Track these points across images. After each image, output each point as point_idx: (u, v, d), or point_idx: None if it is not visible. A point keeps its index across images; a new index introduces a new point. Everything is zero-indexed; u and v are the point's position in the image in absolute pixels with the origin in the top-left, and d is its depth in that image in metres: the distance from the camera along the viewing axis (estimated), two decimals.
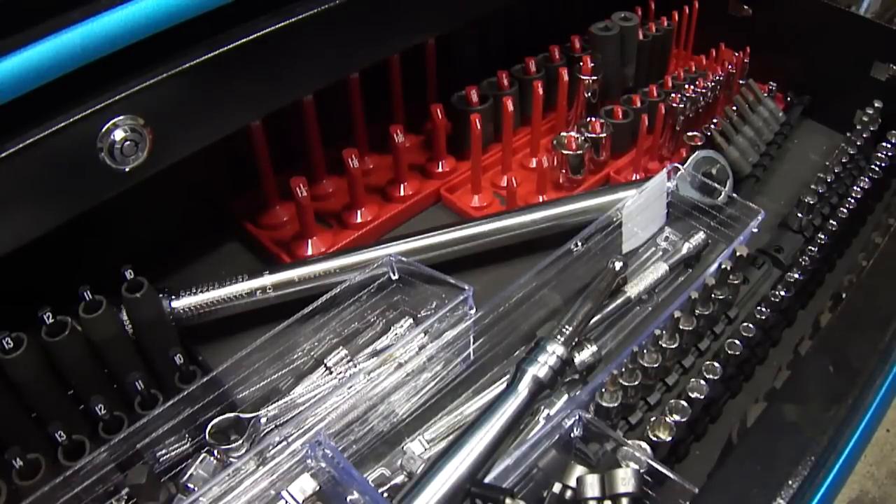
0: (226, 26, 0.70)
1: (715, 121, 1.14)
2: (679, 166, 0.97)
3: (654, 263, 0.93)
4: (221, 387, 0.74)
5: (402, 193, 1.09)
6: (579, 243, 0.87)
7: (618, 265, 0.89)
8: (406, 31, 0.90)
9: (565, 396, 0.78)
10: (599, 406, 0.74)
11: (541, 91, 1.10)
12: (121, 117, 0.63)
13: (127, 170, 0.65)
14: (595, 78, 1.15)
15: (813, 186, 1.02)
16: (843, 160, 1.07)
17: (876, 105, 1.13)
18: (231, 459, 0.72)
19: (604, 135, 1.12)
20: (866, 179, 1.03)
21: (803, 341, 0.86)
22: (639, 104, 1.17)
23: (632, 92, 1.21)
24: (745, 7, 1.28)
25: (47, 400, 0.72)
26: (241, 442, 0.73)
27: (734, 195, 0.94)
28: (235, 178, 1.05)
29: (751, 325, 0.81)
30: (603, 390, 0.74)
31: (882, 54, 1.12)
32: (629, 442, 0.67)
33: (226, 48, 0.69)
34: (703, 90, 1.15)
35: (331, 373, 0.81)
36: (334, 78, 0.87)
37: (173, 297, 0.83)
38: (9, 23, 0.58)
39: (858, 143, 1.09)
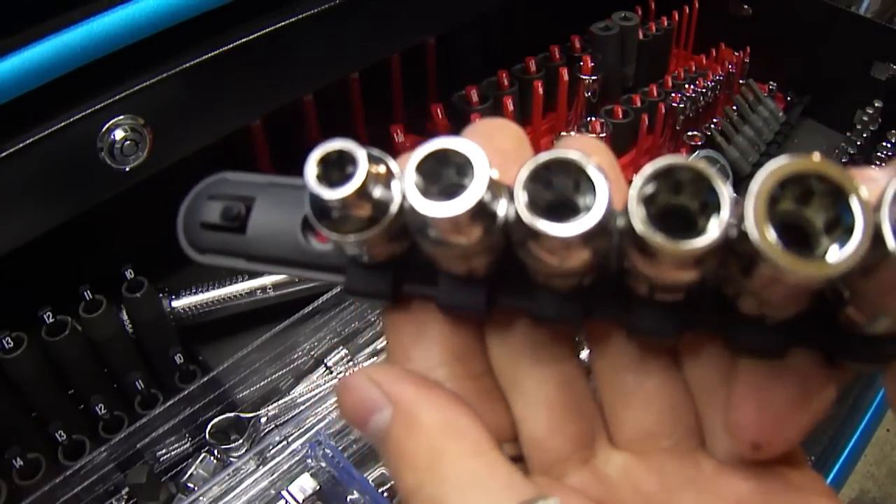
0: (226, 26, 0.70)
1: (715, 121, 1.14)
2: None
3: None
4: (221, 386, 0.74)
5: None
6: None
7: None
8: (406, 31, 0.90)
9: None
10: None
11: (541, 91, 1.10)
12: (121, 117, 0.63)
13: (127, 169, 0.65)
14: (595, 78, 1.15)
15: None
16: (843, 160, 1.07)
17: (876, 105, 1.13)
18: (231, 459, 0.72)
19: (604, 134, 1.12)
20: None
21: None
22: (639, 104, 1.17)
23: (632, 92, 1.20)
24: (745, 7, 1.28)
25: (47, 400, 0.72)
26: (241, 442, 0.73)
27: (735, 195, 0.93)
28: None
29: None
30: None
31: (882, 54, 1.12)
32: None
33: (226, 48, 0.69)
34: (703, 90, 1.15)
35: (331, 372, 0.81)
36: (334, 78, 0.87)
37: (173, 296, 0.83)
38: (9, 23, 0.58)
39: (858, 143, 1.09)
